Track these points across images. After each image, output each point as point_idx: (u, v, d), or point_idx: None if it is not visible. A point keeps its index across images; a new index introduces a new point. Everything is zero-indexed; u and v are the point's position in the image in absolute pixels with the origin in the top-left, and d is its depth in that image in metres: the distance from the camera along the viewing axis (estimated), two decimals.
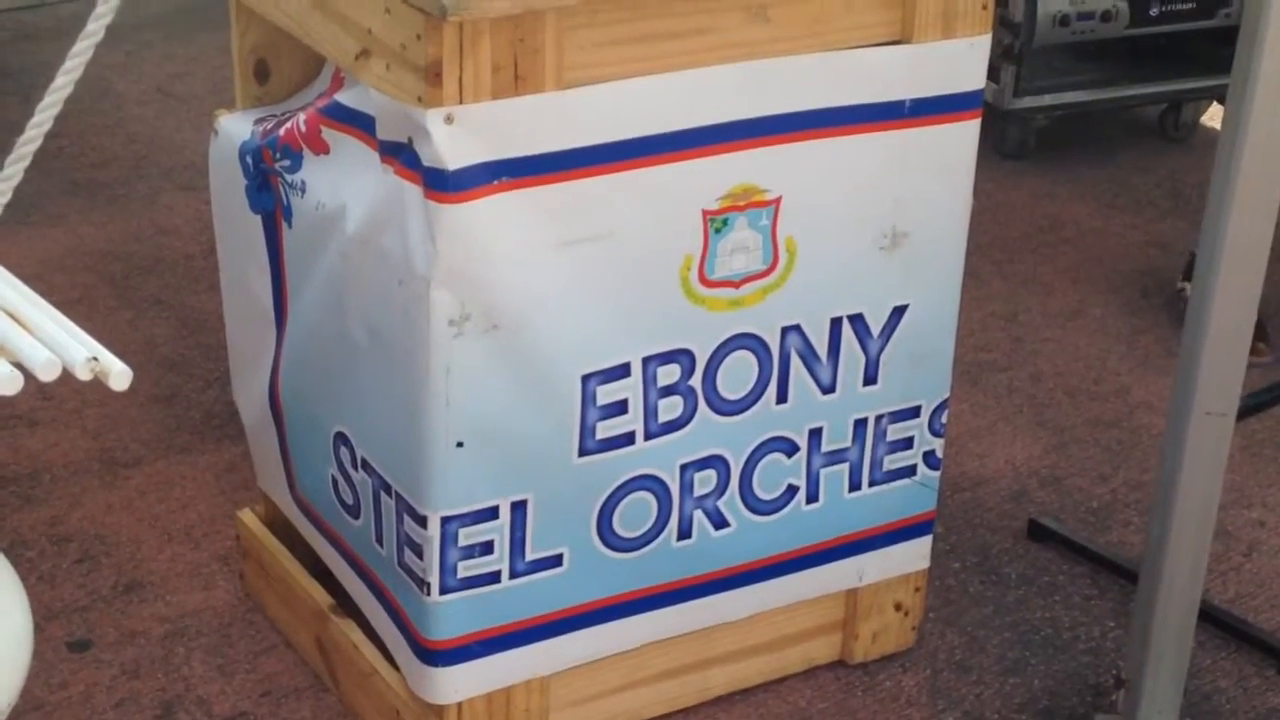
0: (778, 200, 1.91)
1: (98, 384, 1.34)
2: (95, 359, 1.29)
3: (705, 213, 1.87)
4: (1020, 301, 3.28)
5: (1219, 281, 1.86)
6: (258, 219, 2.05)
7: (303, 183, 1.95)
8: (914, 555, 2.23)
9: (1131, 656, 2.10)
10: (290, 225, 2.00)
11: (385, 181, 1.79)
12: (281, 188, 2.00)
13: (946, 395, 2.15)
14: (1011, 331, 3.17)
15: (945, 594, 2.44)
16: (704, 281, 1.91)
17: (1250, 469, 2.77)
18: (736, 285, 1.93)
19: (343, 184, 1.88)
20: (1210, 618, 2.33)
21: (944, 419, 2.16)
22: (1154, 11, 3.79)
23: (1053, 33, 3.72)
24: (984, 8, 1.95)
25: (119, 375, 1.29)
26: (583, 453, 1.91)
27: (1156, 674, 2.08)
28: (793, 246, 1.95)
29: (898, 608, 2.26)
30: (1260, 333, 3.07)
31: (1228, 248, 1.84)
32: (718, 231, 1.89)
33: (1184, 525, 1.99)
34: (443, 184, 1.71)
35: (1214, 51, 3.83)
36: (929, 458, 2.17)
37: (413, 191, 1.75)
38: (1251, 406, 2.30)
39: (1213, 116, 4.03)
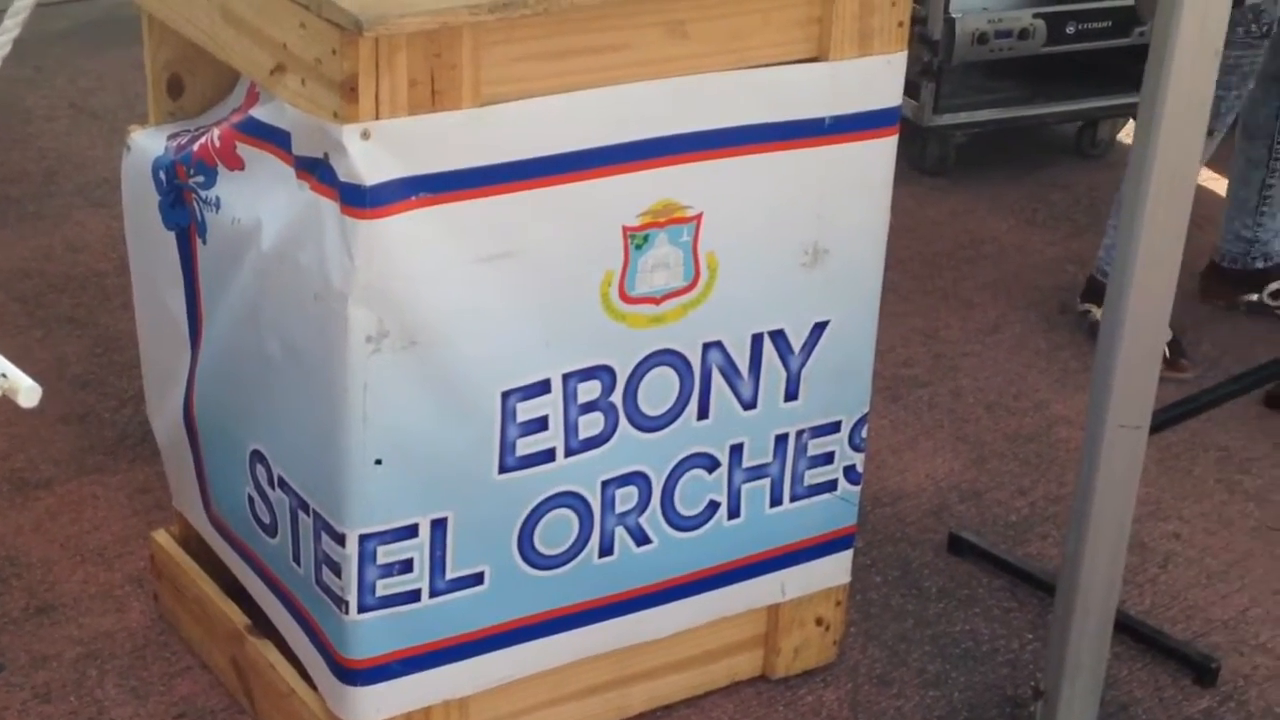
0: (699, 217, 1.92)
1: (5, 403, 1.33)
2: (3, 375, 1.27)
3: (625, 229, 1.88)
4: (941, 317, 3.32)
5: (1131, 296, 1.89)
6: (171, 235, 2.04)
7: (217, 199, 1.94)
8: (835, 570, 2.25)
9: (1049, 668, 2.13)
10: (205, 241, 1.99)
11: (301, 197, 1.79)
12: (196, 204, 1.99)
13: (866, 410, 2.17)
14: (932, 347, 3.20)
15: (866, 608, 2.46)
16: (625, 298, 1.92)
17: (1166, 482, 2.81)
18: (657, 301, 1.94)
19: (258, 200, 1.87)
20: (1127, 629, 2.37)
21: (864, 433, 2.18)
22: (1070, 30, 3.86)
23: (971, 50, 3.77)
24: (899, 25, 1.98)
25: (27, 392, 1.28)
26: (503, 469, 1.91)
27: (1073, 685, 2.11)
28: (714, 263, 1.96)
29: (819, 622, 2.28)
30: (1179, 350, 3.13)
31: (1139, 263, 1.87)
32: (638, 248, 1.90)
33: (1100, 537, 2.03)
34: (359, 199, 1.71)
35: (1130, 69, 3.87)
36: (849, 472, 2.19)
37: (329, 207, 1.74)
38: (1165, 420, 2.34)
39: (1129, 133, 4.09)
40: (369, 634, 1.92)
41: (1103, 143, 4.12)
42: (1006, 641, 2.41)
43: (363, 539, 1.86)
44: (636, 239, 1.89)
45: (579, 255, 1.87)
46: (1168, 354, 3.01)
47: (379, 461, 1.82)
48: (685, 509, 2.08)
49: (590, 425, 1.95)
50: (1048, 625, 2.31)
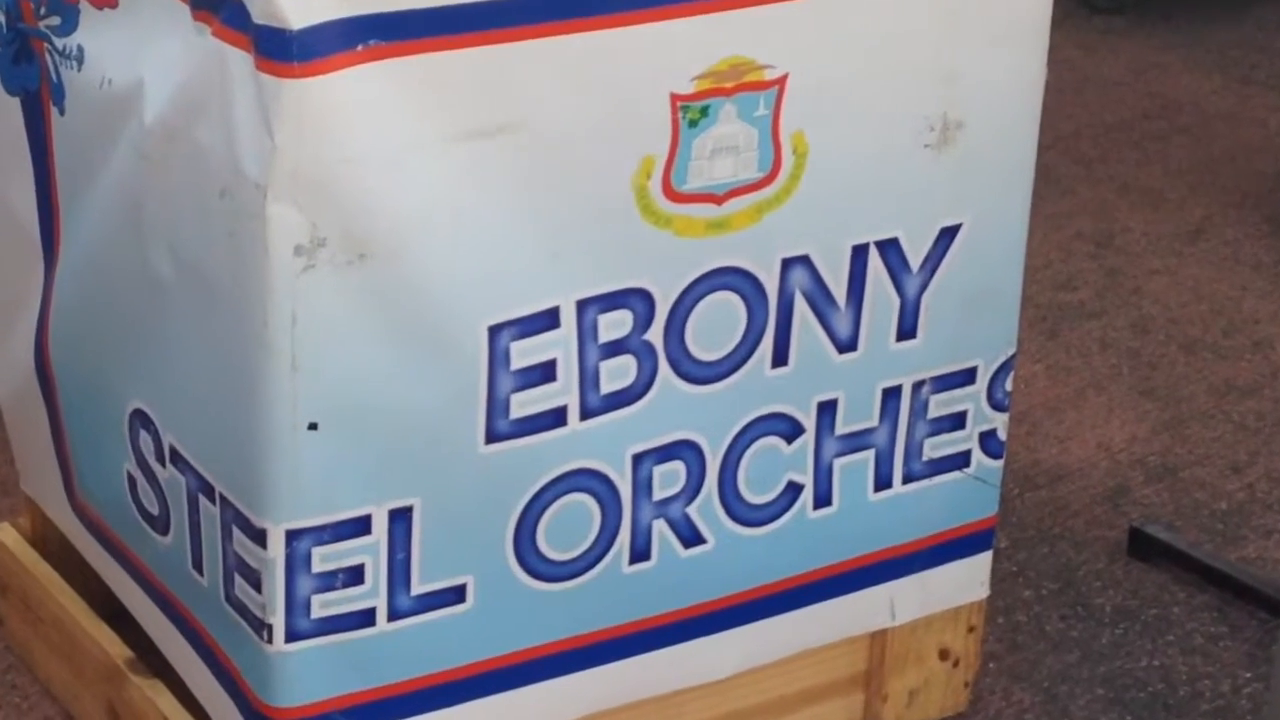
0: (782, 80, 1.91)
1: None
2: None
3: (675, 97, 1.87)
4: (1118, 218, 3.32)
5: None
6: (15, 103, 2.05)
7: (79, 50, 1.94)
8: (968, 581, 2.26)
9: (1274, 717, 2.11)
10: (62, 112, 2.00)
11: (200, 47, 1.77)
12: (49, 57, 1.99)
13: (1013, 351, 2.17)
14: (1105, 261, 3.21)
15: (1012, 635, 2.47)
16: (671, 194, 1.90)
17: None
18: (719, 200, 1.93)
19: (138, 52, 1.86)
20: None
21: (1009, 385, 2.18)
22: None
23: None
24: None
25: None
26: (492, 438, 1.90)
27: None
28: (802, 146, 1.95)
29: (944, 655, 2.28)
30: None
31: None
32: (693, 124, 1.89)
33: None
34: (284, 50, 1.69)
35: None
36: (988, 441, 2.19)
37: (240, 61, 1.72)
38: None
39: None
40: (302, 672, 1.92)
41: None
42: (1214, 682, 2.41)
43: (292, 536, 1.86)
44: (691, 112, 1.88)
45: (605, 133, 1.86)
46: None
47: (314, 426, 1.82)
48: (753, 494, 2.08)
49: (617, 374, 1.95)
50: (1272, 658, 2.32)
